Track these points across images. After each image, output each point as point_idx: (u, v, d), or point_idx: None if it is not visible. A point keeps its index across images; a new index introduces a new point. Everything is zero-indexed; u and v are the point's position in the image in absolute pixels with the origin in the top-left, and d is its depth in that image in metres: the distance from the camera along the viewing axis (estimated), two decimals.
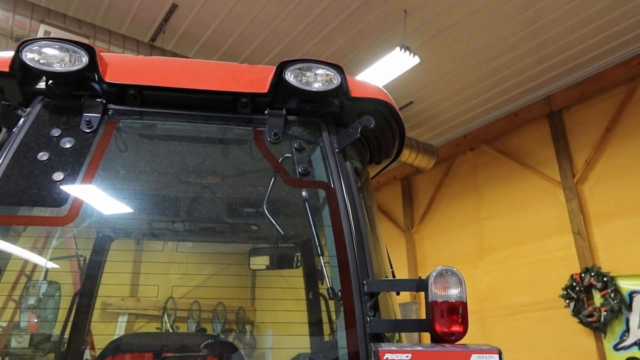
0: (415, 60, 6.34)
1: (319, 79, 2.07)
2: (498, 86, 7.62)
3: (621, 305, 6.26)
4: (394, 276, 2.37)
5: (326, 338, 2.24)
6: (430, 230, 9.37)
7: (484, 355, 1.37)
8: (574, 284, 6.71)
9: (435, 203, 9.39)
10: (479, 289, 8.15)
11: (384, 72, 6.53)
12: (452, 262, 8.56)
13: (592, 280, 6.51)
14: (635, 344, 6.12)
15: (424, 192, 9.72)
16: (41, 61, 1.91)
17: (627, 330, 6.22)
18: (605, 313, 6.29)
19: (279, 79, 2.06)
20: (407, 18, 6.23)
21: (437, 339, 1.56)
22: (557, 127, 7.60)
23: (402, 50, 6.18)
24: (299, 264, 2.86)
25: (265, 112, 2.12)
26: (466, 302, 1.55)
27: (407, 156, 8.15)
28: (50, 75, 1.95)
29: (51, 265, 2.28)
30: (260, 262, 2.87)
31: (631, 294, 6.26)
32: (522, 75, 7.34)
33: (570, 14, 6.08)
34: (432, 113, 8.42)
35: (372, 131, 2.28)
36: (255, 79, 2.16)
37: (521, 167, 7.99)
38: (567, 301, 6.75)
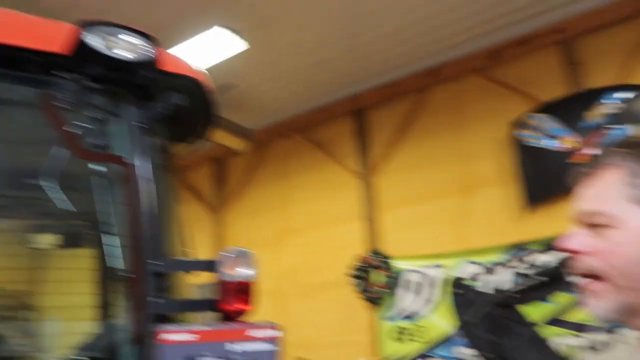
0: (243, 44, 6.36)
1: (128, 47, 1.94)
2: (312, 80, 8.09)
3: (395, 283, 7.32)
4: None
5: (112, 321, 2.15)
6: (240, 211, 9.57)
7: (259, 330, 1.49)
8: (361, 264, 7.62)
9: (247, 186, 9.60)
10: (281, 269, 8.63)
11: (205, 51, 6.41)
12: (258, 243, 8.88)
13: (375, 262, 7.48)
14: (406, 316, 7.22)
15: (236, 174, 9.84)
16: None
17: (397, 304, 7.31)
18: (382, 290, 7.29)
19: (80, 39, 1.88)
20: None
21: (225, 317, 1.63)
22: (360, 124, 8.44)
23: (229, 31, 6.13)
24: (86, 243, 2.66)
25: (61, 75, 1.92)
26: (253, 282, 1.65)
27: (222, 137, 8.15)
28: None
29: None
30: (43, 240, 2.59)
31: (403, 274, 7.36)
32: (333, 73, 7.91)
33: (380, 24, 6.74)
34: (252, 98, 8.53)
35: (182, 109, 2.24)
36: (51, 35, 1.93)
37: (326, 158, 8.67)
38: (354, 280, 7.63)
